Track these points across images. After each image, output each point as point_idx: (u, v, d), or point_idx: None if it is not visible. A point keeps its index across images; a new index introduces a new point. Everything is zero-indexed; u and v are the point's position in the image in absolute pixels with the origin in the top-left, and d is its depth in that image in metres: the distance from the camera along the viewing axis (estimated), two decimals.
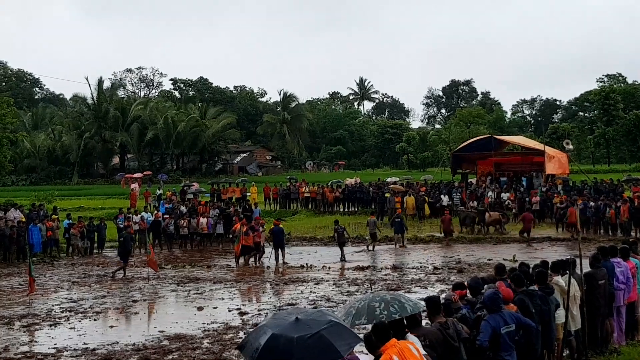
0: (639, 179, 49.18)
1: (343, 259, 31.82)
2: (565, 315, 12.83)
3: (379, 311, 8.56)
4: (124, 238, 30.16)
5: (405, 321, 8.77)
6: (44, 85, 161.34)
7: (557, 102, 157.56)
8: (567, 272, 13.06)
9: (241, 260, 31.78)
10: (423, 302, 9.41)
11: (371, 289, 8.33)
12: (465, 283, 12.02)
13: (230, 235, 37.23)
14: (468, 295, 11.55)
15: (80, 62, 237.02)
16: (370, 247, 35.34)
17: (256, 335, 7.39)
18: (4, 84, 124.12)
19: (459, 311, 10.44)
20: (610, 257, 14.74)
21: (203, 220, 38.96)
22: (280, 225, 32.66)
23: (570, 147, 75.04)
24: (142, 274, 28.97)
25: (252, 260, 31.77)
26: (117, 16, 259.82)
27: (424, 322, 9.53)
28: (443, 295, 11.60)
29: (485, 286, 11.51)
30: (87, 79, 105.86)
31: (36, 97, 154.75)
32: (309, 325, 7.20)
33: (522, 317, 10.47)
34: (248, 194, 53.24)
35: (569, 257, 14.14)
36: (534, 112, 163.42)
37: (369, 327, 8.54)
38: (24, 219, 36.47)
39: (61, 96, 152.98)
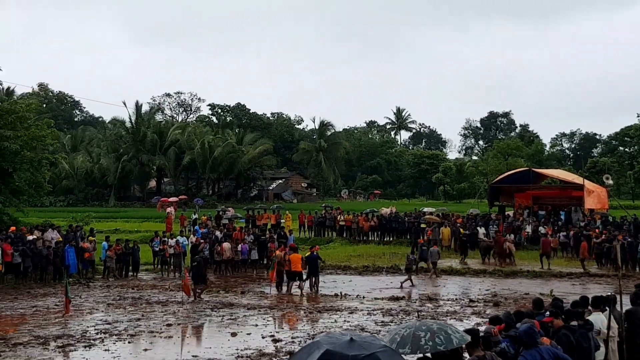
0: None
1: (410, 284, 32.57)
2: (606, 352, 12.65)
3: (424, 341, 8.38)
4: (198, 262, 30.15)
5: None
6: (84, 107, 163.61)
7: (597, 136, 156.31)
8: (607, 308, 12.89)
9: (284, 288, 31.72)
10: (469, 335, 9.22)
11: (417, 316, 8.23)
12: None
13: (266, 261, 37.28)
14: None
15: (120, 86, 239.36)
16: (434, 276, 35.62)
17: (309, 350, 7.31)
18: (44, 105, 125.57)
19: (498, 345, 10.29)
20: None
21: (226, 245, 38.79)
22: (316, 253, 32.45)
23: (610, 182, 74.19)
24: (176, 298, 28.99)
25: (294, 286, 31.47)
26: (158, 42, 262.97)
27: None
28: (482, 328, 11.46)
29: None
30: (124, 103, 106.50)
31: (76, 119, 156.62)
32: (363, 347, 7.15)
33: (560, 352, 10.29)
34: (283, 220, 53.22)
35: (609, 293, 13.95)
36: (573, 146, 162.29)
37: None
38: (61, 239, 36.80)
39: (100, 119, 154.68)
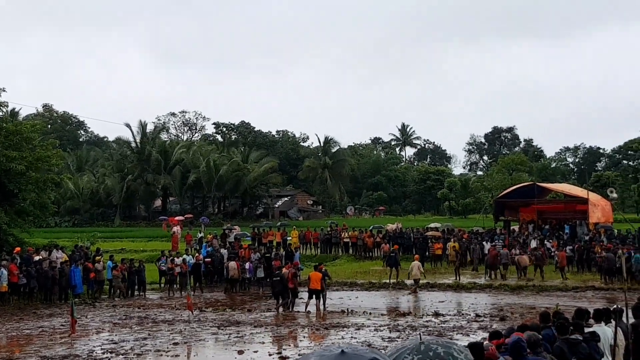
0: None
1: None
2: None
3: None
4: (281, 277, 31.08)
5: None
6: (89, 127, 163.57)
7: (601, 150, 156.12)
8: (613, 321, 12.91)
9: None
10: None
11: (420, 339, 8.20)
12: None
13: (269, 280, 37.29)
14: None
15: (124, 106, 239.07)
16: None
17: None
18: (49, 126, 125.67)
19: None
20: None
21: (231, 264, 38.68)
22: (324, 269, 32.41)
23: (614, 195, 73.97)
24: (183, 317, 29.00)
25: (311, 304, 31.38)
26: (162, 62, 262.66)
27: None
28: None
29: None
30: (129, 125, 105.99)
31: (80, 139, 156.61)
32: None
33: None
34: (289, 238, 53.20)
35: (615, 306, 13.97)
36: (577, 160, 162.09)
37: None
38: (66, 259, 36.90)
39: (105, 139, 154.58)
